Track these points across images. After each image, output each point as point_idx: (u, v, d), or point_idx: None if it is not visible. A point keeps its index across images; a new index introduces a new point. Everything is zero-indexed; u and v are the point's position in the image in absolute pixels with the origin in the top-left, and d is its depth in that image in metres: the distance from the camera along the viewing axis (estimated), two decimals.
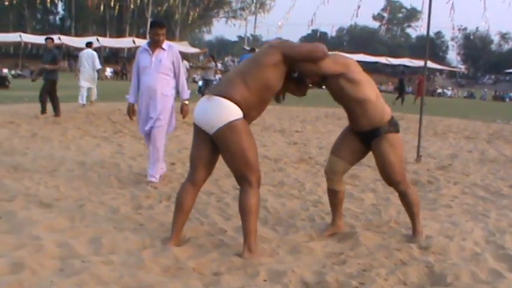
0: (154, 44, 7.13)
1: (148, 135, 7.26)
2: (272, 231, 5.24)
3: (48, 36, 17.29)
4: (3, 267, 3.93)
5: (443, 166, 9.32)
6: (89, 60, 18.47)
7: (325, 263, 4.34)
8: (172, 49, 7.23)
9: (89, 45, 18.62)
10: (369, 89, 4.78)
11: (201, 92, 24.76)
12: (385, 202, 6.54)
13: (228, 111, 4.26)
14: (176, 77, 7.26)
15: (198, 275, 4.03)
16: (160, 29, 7.10)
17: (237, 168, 4.41)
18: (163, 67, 7.12)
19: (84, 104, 17.81)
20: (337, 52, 5.14)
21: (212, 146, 4.45)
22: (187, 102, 7.40)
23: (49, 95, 14.64)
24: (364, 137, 4.93)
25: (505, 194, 7.22)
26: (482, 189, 7.50)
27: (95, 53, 18.85)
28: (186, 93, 7.39)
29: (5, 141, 9.94)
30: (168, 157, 8.65)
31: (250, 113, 4.42)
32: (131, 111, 7.31)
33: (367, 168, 8.65)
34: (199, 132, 4.48)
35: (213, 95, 4.35)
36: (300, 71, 4.67)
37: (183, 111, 7.42)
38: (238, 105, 4.28)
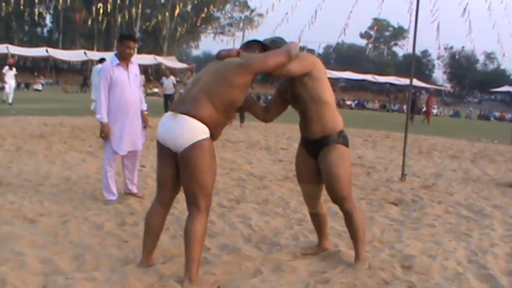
0: (126, 58, 6.90)
1: (128, 152, 7.11)
2: (256, 249, 5.24)
3: None
4: None
5: (427, 185, 9.37)
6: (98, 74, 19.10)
7: (308, 282, 4.34)
8: (134, 61, 7.12)
9: (101, 61, 19.07)
10: (329, 93, 4.80)
11: None
12: (369, 221, 6.55)
13: (195, 131, 4.12)
14: (139, 88, 7.25)
15: None
16: (133, 42, 7.01)
17: (190, 190, 4.21)
18: (138, 81, 7.11)
19: None
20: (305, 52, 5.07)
21: (178, 163, 4.30)
22: (147, 112, 7.39)
23: None
24: (313, 147, 4.85)
25: (487, 214, 7.26)
26: (465, 209, 7.54)
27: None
28: (145, 105, 7.35)
29: None
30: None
31: (215, 130, 4.31)
32: (108, 132, 6.85)
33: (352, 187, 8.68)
34: (164, 150, 4.33)
35: (179, 113, 4.20)
36: (269, 77, 4.70)
37: (146, 121, 7.36)
38: (205, 124, 4.17)
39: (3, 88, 23.93)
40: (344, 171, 4.72)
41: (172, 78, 26.00)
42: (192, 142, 4.11)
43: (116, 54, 6.95)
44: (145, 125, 7.34)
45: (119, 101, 6.84)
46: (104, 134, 6.86)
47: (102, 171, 7.25)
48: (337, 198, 4.78)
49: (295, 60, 4.54)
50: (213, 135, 4.31)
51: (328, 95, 4.78)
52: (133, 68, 7.02)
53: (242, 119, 21.82)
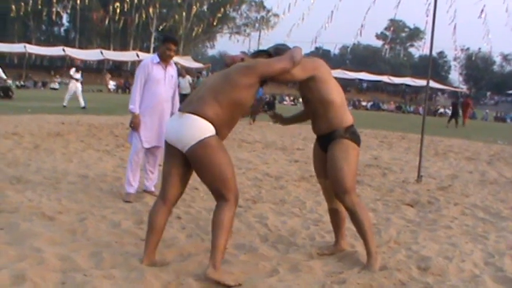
0: (166, 59, 7.21)
1: (151, 148, 7.34)
2: (272, 249, 5.26)
3: None
4: (5, 278, 3.97)
5: (443, 187, 9.34)
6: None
7: (324, 282, 4.35)
8: (174, 65, 7.45)
9: None
10: (336, 92, 4.86)
11: None
12: (385, 222, 6.57)
13: (200, 129, 4.20)
14: (174, 91, 7.44)
15: None
16: (174, 45, 7.24)
17: (213, 185, 4.31)
18: (173, 82, 7.35)
19: None
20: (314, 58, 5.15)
21: (184, 163, 4.39)
22: None
23: None
24: (323, 143, 4.97)
25: (504, 216, 7.24)
26: (482, 211, 7.52)
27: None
28: (178, 105, 7.49)
29: (8, 153, 9.98)
30: None
31: (222, 130, 4.37)
32: (139, 123, 7.16)
33: (367, 188, 8.69)
34: (170, 149, 4.41)
35: (185, 112, 4.30)
36: (274, 81, 4.77)
37: None
38: (210, 122, 4.23)
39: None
40: (348, 165, 4.77)
41: (188, 77, 26.11)
42: (197, 140, 4.18)
43: (157, 54, 7.26)
44: None
45: (152, 97, 7.13)
46: (134, 124, 7.14)
47: (127, 163, 7.44)
48: (339, 192, 4.81)
49: (299, 66, 4.62)
50: (220, 135, 4.35)
51: (335, 94, 4.85)
52: (171, 69, 7.30)
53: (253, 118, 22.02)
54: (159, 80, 7.14)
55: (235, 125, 4.59)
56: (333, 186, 4.85)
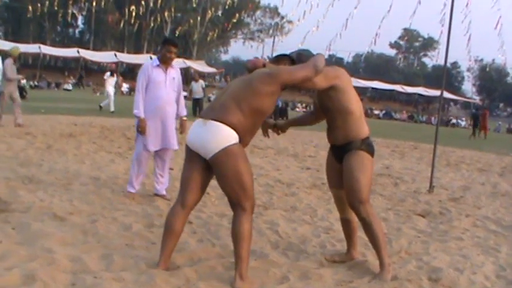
0: (167, 62, 7.24)
1: (157, 151, 7.40)
2: (283, 256, 5.25)
3: None
4: (16, 278, 3.99)
5: (455, 198, 9.29)
6: None
7: None
8: (177, 67, 7.49)
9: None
10: (355, 103, 4.88)
11: None
12: (396, 232, 6.54)
13: (225, 136, 4.22)
14: (178, 93, 7.47)
15: None
16: (175, 47, 7.29)
17: (232, 194, 4.34)
18: (175, 85, 7.37)
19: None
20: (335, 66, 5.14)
21: (205, 169, 4.42)
22: (185, 118, 7.67)
23: None
24: (338, 153, 4.95)
25: None
26: (493, 223, 7.47)
27: None
28: (184, 110, 7.63)
29: (20, 152, 10.03)
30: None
31: (244, 137, 4.39)
32: (145, 126, 7.17)
33: (378, 197, 8.66)
34: (192, 155, 4.43)
35: (208, 119, 4.30)
36: (295, 88, 4.79)
37: (183, 126, 7.63)
38: (234, 130, 4.25)
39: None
40: (363, 176, 4.76)
41: (201, 82, 26.23)
42: (222, 147, 4.19)
43: (158, 57, 7.30)
44: (181, 130, 7.63)
45: (153, 100, 7.17)
46: (141, 128, 7.18)
47: (131, 165, 7.53)
48: (354, 202, 4.79)
49: (321, 74, 4.61)
50: (242, 142, 4.38)
51: (355, 105, 4.86)
52: (173, 72, 7.33)
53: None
54: (160, 82, 7.18)
55: (256, 131, 4.60)
56: (348, 197, 4.84)
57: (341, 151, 4.90)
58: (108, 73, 25.47)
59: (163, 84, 7.19)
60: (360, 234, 5.52)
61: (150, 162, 7.75)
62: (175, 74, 7.36)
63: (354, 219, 5.18)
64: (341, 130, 4.84)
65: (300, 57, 4.76)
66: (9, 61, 14.61)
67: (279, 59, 4.85)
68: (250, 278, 4.35)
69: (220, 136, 4.21)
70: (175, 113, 7.46)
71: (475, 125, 33.24)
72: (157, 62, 7.23)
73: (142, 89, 7.17)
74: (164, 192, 7.48)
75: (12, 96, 14.75)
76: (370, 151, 4.89)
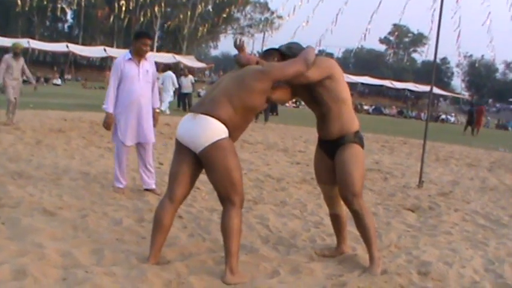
0: (140, 55, 7.22)
1: (137, 146, 7.43)
2: (273, 251, 5.26)
3: None
4: (6, 273, 3.99)
5: (444, 192, 9.34)
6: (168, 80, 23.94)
7: (325, 285, 4.36)
8: (150, 58, 7.45)
9: (170, 69, 20.22)
10: (347, 94, 4.89)
11: None
12: (385, 226, 6.57)
13: (215, 130, 4.23)
14: (152, 85, 7.45)
15: None
16: (150, 40, 7.38)
17: (222, 188, 4.35)
18: (150, 77, 7.35)
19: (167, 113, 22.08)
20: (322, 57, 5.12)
21: (195, 163, 4.43)
22: (158, 110, 7.67)
23: None
24: (330, 148, 4.93)
25: (504, 223, 7.25)
26: (482, 217, 7.52)
27: (173, 74, 24.73)
28: (157, 102, 7.64)
29: (9, 148, 9.99)
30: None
31: (235, 132, 4.42)
32: (111, 122, 7.22)
33: (368, 192, 8.68)
34: (182, 149, 4.44)
35: (199, 114, 4.32)
36: (288, 84, 4.74)
37: (155, 118, 7.57)
38: (224, 124, 4.27)
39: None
40: (357, 170, 4.78)
41: (190, 77, 26.24)
42: (212, 141, 4.21)
43: (130, 50, 7.28)
44: (154, 123, 7.55)
45: (127, 94, 7.16)
46: (107, 124, 7.23)
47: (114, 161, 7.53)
48: (348, 196, 4.79)
49: (313, 67, 4.62)
50: (232, 137, 4.40)
51: (346, 94, 4.88)
52: (146, 64, 7.31)
53: (266, 118, 22.31)
54: (133, 76, 7.16)
55: (246, 127, 4.63)
56: (342, 190, 4.84)
57: (333, 145, 4.89)
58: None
59: (136, 78, 7.17)
60: (350, 228, 5.56)
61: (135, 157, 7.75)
62: (148, 67, 7.34)
63: (343, 214, 5.20)
64: (336, 121, 4.81)
65: (290, 50, 4.75)
66: (7, 57, 14.12)
67: (269, 53, 4.86)
68: (240, 272, 4.36)
69: (210, 130, 4.22)
70: (150, 103, 7.44)
71: (470, 121, 33.25)
72: (130, 56, 7.19)
73: (115, 84, 7.15)
74: (154, 186, 7.48)
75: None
76: (361, 144, 4.91)
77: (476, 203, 8.66)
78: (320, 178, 5.20)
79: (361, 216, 4.82)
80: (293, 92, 4.95)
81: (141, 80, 7.21)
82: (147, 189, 7.45)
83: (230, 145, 4.33)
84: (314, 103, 4.93)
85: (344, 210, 5.23)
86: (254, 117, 4.78)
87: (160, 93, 20.59)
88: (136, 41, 7.18)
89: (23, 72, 14.39)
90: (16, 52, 14.10)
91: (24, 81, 15.02)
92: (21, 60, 14.31)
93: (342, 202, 5.12)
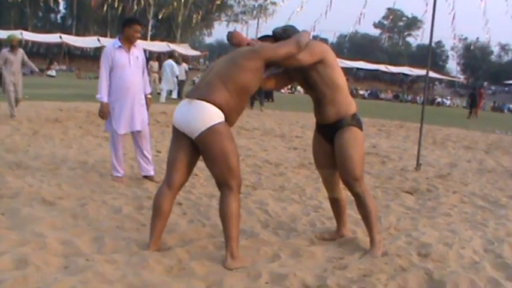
0: (130, 42, 7.20)
1: (132, 134, 7.45)
2: (273, 235, 5.28)
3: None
4: (8, 263, 3.99)
5: (442, 175, 9.36)
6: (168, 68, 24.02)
7: (326, 267, 4.37)
8: (139, 45, 7.41)
9: (171, 56, 20.43)
10: (342, 78, 4.88)
11: None
12: (385, 209, 6.58)
13: (210, 115, 4.21)
14: (142, 71, 7.46)
15: (201, 276, 4.07)
16: (140, 26, 7.31)
17: (219, 173, 4.34)
18: (140, 63, 7.36)
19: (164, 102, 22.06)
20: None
21: (192, 149, 4.41)
22: (150, 96, 7.70)
23: None
24: (328, 132, 4.92)
25: (503, 204, 7.26)
26: (481, 199, 7.54)
27: (174, 63, 24.60)
28: (148, 88, 7.66)
29: (6, 138, 9.98)
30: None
31: (231, 116, 4.40)
32: (107, 111, 7.20)
33: (366, 175, 8.66)
34: (179, 135, 4.42)
35: (194, 99, 4.29)
36: (280, 66, 4.74)
37: (147, 104, 7.58)
38: (220, 109, 4.25)
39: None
40: (357, 153, 4.78)
41: (184, 65, 26.31)
42: (207, 126, 4.19)
43: (119, 38, 7.25)
44: (147, 107, 7.56)
45: (119, 82, 7.14)
46: (102, 113, 7.22)
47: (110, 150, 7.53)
48: (349, 179, 4.80)
49: (306, 50, 4.59)
50: (229, 121, 4.38)
51: (341, 80, 4.85)
52: (136, 51, 7.29)
53: (261, 103, 22.32)
54: (124, 64, 7.14)
55: (243, 110, 4.60)
56: (343, 175, 4.84)
57: (331, 130, 4.88)
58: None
59: (127, 65, 7.16)
60: (350, 212, 5.57)
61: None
62: (138, 53, 7.32)
63: (343, 197, 5.22)
64: (331, 106, 4.80)
65: (286, 33, 4.74)
66: (4, 51, 13.75)
67: (263, 39, 4.86)
68: (241, 256, 4.36)
69: (206, 115, 4.21)
70: (143, 90, 7.46)
71: (472, 104, 33.27)
72: (119, 44, 7.16)
73: (106, 73, 7.12)
74: (152, 173, 7.50)
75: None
76: (360, 126, 4.90)
77: (474, 184, 8.68)
78: (319, 163, 5.19)
79: (362, 199, 4.84)
80: (289, 77, 4.95)
81: (132, 67, 7.19)
82: (145, 176, 7.46)
83: (226, 130, 4.31)
84: (309, 87, 4.92)
85: (343, 194, 5.25)
86: (249, 100, 4.76)
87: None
88: (129, 28, 7.14)
89: (23, 65, 14.09)
90: (13, 45, 13.67)
91: (23, 74, 14.78)
92: (20, 53, 13.80)
93: (341, 186, 5.14)
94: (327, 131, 4.94)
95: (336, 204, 5.26)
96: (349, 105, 4.86)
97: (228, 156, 4.27)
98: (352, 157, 4.74)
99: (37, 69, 15.84)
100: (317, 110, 4.96)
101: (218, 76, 4.37)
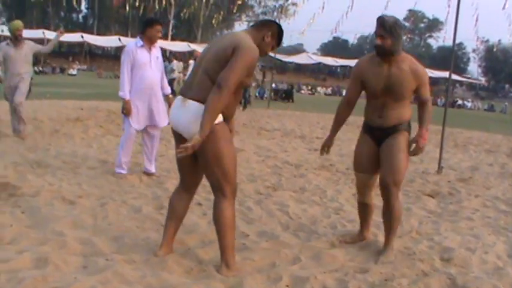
0: (151, 42, 7.28)
1: (145, 129, 7.52)
2: (294, 237, 5.24)
3: None
4: (28, 261, 3.99)
5: (464, 178, 9.26)
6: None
7: (347, 271, 4.33)
8: (158, 46, 7.50)
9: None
10: None
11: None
12: (406, 212, 6.50)
13: None
14: (161, 72, 7.53)
15: (221, 278, 4.04)
16: (161, 26, 7.41)
17: (212, 177, 4.14)
18: (160, 64, 7.46)
19: None
20: None
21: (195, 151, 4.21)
22: (171, 96, 7.73)
23: None
24: (382, 135, 4.90)
25: None
26: (503, 203, 7.45)
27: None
28: (168, 88, 7.74)
29: (27, 137, 10.00)
30: None
31: (228, 110, 4.13)
32: (130, 108, 7.27)
33: None
34: (178, 138, 4.23)
35: (188, 99, 4.09)
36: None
37: (170, 105, 7.49)
38: None
39: None
40: (405, 159, 4.83)
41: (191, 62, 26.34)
42: None
43: (140, 37, 7.31)
44: (168, 107, 7.53)
45: (140, 80, 7.23)
46: (126, 110, 7.30)
47: (119, 146, 7.62)
48: (390, 182, 4.74)
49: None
50: (226, 116, 4.16)
51: None
52: (155, 51, 7.39)
53: (245, 104, 21.66)
54: (145, 63, 7.23)
55: (238, 102, 4.34)
56: (386, 177, 4.77)
57: (386, 133, 4.88)
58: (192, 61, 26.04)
59: (148, 64, 7.25)
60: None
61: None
62: (158, 53, 7.43)
63: (373, 203, 5.18)
64: (397, 111, 4.85)
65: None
66: (2, 45, 10.08)
67: (265, 25, 4.50)
68: (236, 265, 4.24)
69: (200, 116, 3.93)
70: (162, 91, 7.55)
71: None
72: (141, 43, 7.24)
73: (128, 70, 7.20)
74: (153, 170, 7.62)
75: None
76: (410, 133, 4.95)
77: (496, 188, 8.58)
78: (360, 166, 5.11)
79: (392, 205, 4.78)
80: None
81: (153, 67, 7.29)
82: (145, 173, 7.60)
83: (223, 132, 4.08)
84: (386, 92, 4.84)
85: (373, 200, 5.21)
86: (241, 96, 4.59)
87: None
88: (151, 28, 7.23)
89: (36, 57, 11.12)
90: (16, 35, 9.87)
91: (40, 72, 14.09)
92: (26, 45, 10.08)
93: (373, 193, 5.11)
94: (382, 133, 4.93)
95: (364, 209, 5.23)
96: (409, 111, 4.93)
97: (222, 159, 4.05)
98: (401, 160, 4.76)
99: (56, 39, 11.33)
100: (378, 113, 4.91)
101: (208, 73, 4.06)
